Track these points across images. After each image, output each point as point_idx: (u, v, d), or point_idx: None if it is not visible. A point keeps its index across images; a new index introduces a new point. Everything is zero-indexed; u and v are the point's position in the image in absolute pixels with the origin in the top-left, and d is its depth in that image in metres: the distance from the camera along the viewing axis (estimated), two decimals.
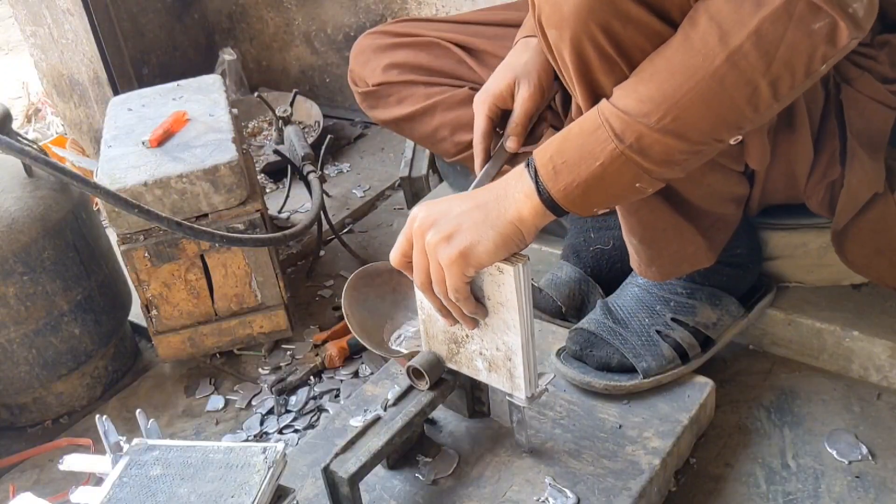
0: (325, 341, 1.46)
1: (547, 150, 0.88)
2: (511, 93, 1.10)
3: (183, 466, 0.91)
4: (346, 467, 0.94)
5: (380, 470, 1.06)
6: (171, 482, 0.89)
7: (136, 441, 0.94)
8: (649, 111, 0.81)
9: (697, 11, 0.80)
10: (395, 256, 0.96)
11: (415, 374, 1.03)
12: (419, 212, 0.93)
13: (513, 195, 0.90)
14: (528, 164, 0.90)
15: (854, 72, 1.01)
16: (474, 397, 1.11)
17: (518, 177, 0.90)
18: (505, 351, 0.97)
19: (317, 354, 1.44)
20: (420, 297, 1.02)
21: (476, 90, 1.40)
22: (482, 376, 1.02)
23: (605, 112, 0.84)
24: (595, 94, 0.90)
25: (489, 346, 0.98)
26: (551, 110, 1.33)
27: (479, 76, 1.41)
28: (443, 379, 1.04)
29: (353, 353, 1.43)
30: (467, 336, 1.00)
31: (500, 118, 1.11)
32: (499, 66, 1.12)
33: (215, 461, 0.91)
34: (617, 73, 0.87)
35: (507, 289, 0.92)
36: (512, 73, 1.10)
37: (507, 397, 1.01)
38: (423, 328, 1.05)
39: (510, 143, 1.09)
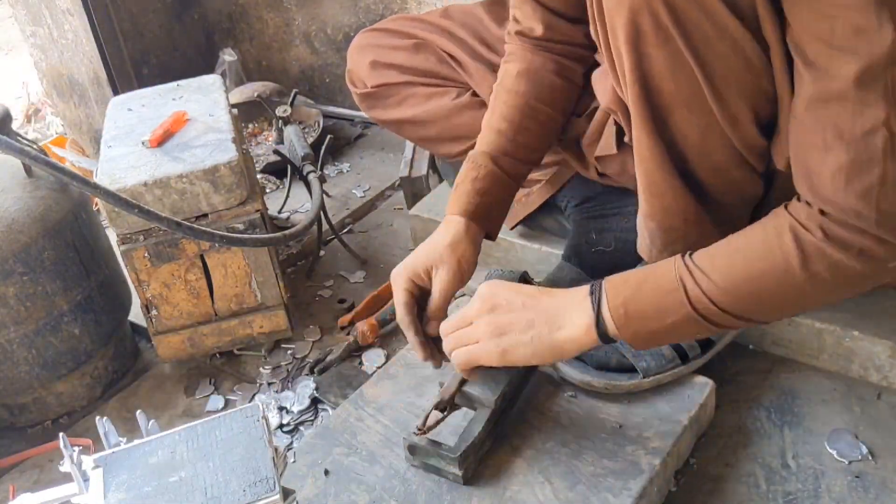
0: (351, 322, 1.47)
1: (619, 293, 0.93)
2: (428, 274, 1.11)
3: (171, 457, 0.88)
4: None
5: (380, 470, 1.06)
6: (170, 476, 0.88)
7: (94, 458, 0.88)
8: (722, 299, 0.89)
9: (782, 225, 0.88)
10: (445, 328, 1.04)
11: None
12: (490, 289, 1.01)
13: (570, 320, 0.95)
14: (591, 293, 0.94)
15: None
16: None
17: (577, 304, 0.95)
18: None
19: (348, 333, 1.46)
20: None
21: (477, 96, 1.41)
22: None
23: (682, 278, 0.91)
24: (640, 65, 0.92)
25: None
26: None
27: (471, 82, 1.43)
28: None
29: (383, 327, 1.45)
30: None
31: (419, 292, 1.12)
32: (426, 241, 1.16)
33: (205, 441, 0.88)
34: (670, 46, 0.88)
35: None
36: (431, 256, 1.12)
37: None
38: None
39: (430, 328, 1.11)
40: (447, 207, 1.18)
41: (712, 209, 1.08)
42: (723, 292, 0.89)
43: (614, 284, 0.94)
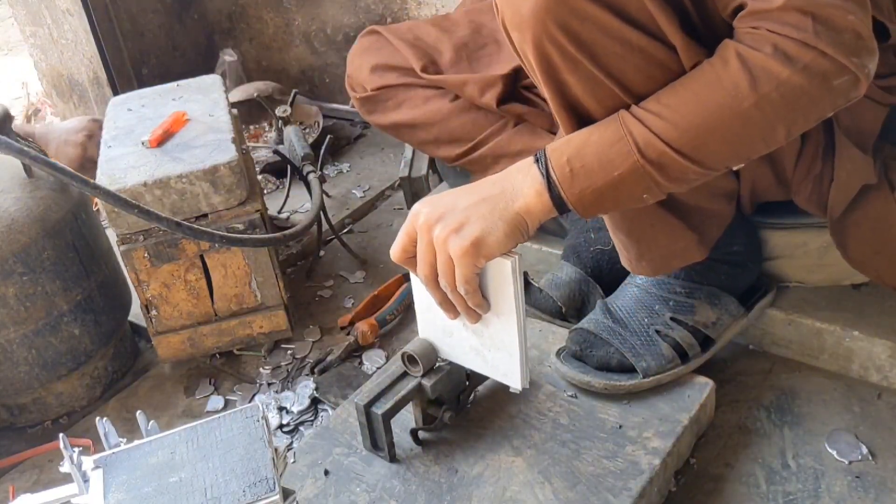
0: (351, 322, 1.47)
1: (563, 152, 0.90)
2: None
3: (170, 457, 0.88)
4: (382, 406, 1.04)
5: (380, 470, 1.06)
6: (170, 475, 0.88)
7: (94, 458, 0.88)
8: (674, 136, 0.86)
9: (728, 51, 0.84)
10: (395, 252, 0.97)
11: (409, 360, 1.06)
12: (422, 207, 0.94)
13: (520, 189, 0.92)
14: (537, 160, 0.92)
15: None
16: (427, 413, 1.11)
17: (525, 171, 0.93)
18: (499, 343, 0.99)
19: (348, 333, 1.45)
20: (418, 290, 1.03)
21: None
22: (476, 367, 1.04)
23: (628, 125, 0.87)
24: (562, 93, 0.93)
25: (484, 338, 1.00)
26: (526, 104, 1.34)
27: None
28: (437, 367, 1.07)
29: (383, 327, 1.46)
30: (463, 326, 1.01)
31: None
32: None
33: (205, 441, 0.89)
34: (581, 71, 0.89)
35: (504, 282, 0.95)
36: None
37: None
38: (421, 318, 1.07)
39: None
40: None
41: (683, 213, 1.07)
42: (673, 129, 0.86)
43: (557, 145, 0.91)
